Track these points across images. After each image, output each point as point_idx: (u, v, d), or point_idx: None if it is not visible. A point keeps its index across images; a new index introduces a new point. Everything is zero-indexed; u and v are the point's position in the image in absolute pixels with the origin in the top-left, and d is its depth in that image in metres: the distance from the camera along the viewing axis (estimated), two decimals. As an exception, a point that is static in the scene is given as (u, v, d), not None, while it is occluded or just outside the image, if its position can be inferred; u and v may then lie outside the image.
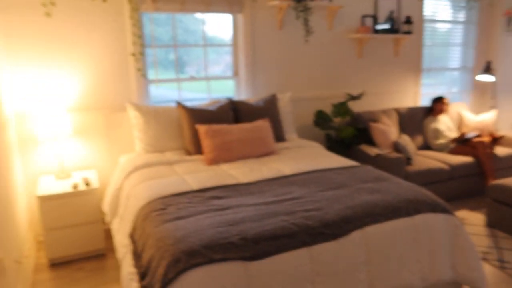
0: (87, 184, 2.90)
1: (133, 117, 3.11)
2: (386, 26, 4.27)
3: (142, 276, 1.80)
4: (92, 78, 3.21)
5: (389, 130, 3.96)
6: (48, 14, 2.95)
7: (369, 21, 4.25)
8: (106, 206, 2.86)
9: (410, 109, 4.46)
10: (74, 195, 2.84)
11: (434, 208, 2.15)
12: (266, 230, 1.81)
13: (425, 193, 2.25)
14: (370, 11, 4.27)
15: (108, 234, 3.12)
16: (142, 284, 1.76)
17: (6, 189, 2.43)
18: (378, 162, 3.61)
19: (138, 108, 3.11)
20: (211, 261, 1.64)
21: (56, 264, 2.91)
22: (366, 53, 4.38)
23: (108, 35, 3.21)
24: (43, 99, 3.07)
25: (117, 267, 2.80)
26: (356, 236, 1.91)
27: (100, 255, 3.01)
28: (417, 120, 4.42)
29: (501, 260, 2.87)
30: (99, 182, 3.16)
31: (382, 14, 4.31)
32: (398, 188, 2.29)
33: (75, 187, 2.85)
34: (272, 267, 1.72)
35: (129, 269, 2.02)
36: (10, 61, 2.96)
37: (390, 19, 4.28)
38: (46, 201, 2.78)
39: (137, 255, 1.98)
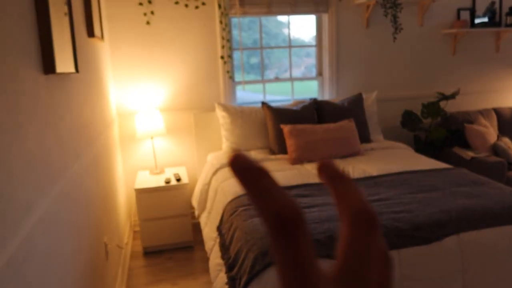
0: (178, 179, 3.10)
1: (221, 116, 3.26)
2: (485, 19, 3.94)
3: (230, 267, 1.88)
4: (184, 80, 3.43)
5: (487, 132, 3.65)
6: (148, 23, 3.23)
7: (465, 15, 3.96)
8: (194, 201, 3.03)
9: (512, 109, 4.05)
10: (166, 189, 3.06)
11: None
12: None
13: (531, 200, 2.04)
14: (467, 4, 3.97)
15: (196, 228, 3.30)
16: (229, 275, 1.84)
17: (111, 182, 2.70)
18: (474, 166, 3.34)
19: (225, 108, 3.25)
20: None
21: (149, 253, 3.15)
22: (461, 49, 4.08)
23: (199, 40, 3.41)
24: (141, 100, 3.36)
25: (204, 259, 2.96)
26: (450, 242, 1.80)
27: (188, 247, 3.20)
28: (520, 122, 4.01)
29: None
30: (188, 178, 3.36)
31: (481, 6, 3.99)
32: (500, 193, 2.10)
33: (167, 182, 3.07)
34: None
35: (217, 260, 2.12)
36: (114, 65, 3.29)
37: (490, 11, 3.94)
38: (142, 193, 3.03)
39: (224, 247, 2.07)
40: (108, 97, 2.94)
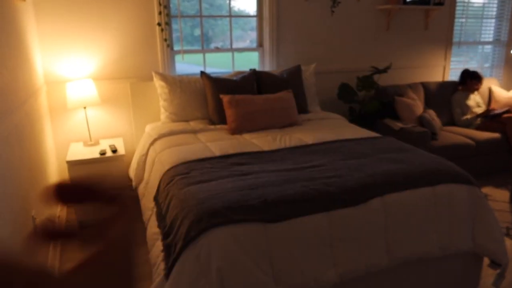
0: (114, 150, 3.00)
1: (159, 86, 3.16)
2: (415, -3, 4.13)
3: (166, 235, 1.88)
4: (119, 48, 3.27)
5: (414, 104, 3.89)
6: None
7: (398, -8, 4.12)
8: (132, 172, 2.96)
9: (438, 83, 4.34)
10: (101, 161, 2.95)
11: (456, 178, 2.13)
12: (287, 194, 1.85)
13: (447, 163, 2.23)
14: (399, -19, 4.13)
15: (135, 201, 3.23)
16: (165, 242, 1.84)
17: (39, 154, 2.55)
18: (402, 136, 3.56)
19: (164, 77, 3.16)
20: (232, 221, 1.69)
21: (86, 226, 3.04)
22: (394, 25, 4.26)
23: (135, 5, 3.25)
24: (73, 68, 3.17)
25: (142, 230, 2.92)
26: (375, 203, 1.93)
27: (126, 219, 3.13)
28: (444, 96, 4.31)
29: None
30: (125, 149, 3.26)
31: (412, -15, 4.16)
32: (421, 158, 2.27)
33: (102, 153, 2.96)
34: (291, 230, 1.76)
35: (154, 229, 2.11)
36: (41, 30, 3.05)
37: (421, -11, 4.13)
38: (75, 166, 2.89)
39: (161, 216, 2.06)
40: (33, 62, 2.73)
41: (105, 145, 3.18)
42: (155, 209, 2.21)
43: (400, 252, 1.96)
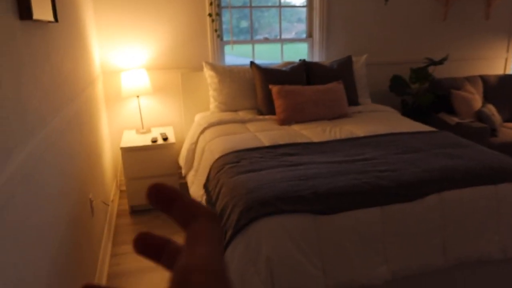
0: (165, 138, 3.07)
1: (209, 76, 3.20)
2: (478, -16, 3.88)
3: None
4: (171, 38, 3.34)
5: (472, 98, 3.67)
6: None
7: (458, -21, 3.89)
8: (181, 160, 3.02)
9: (499, 77, 4.07)
10: (152, 148, 3.03)
11: (521, 177, 1.98)
12: (338, 186, 1.81)
13: (511, 161, 2.08)
14: (460, -33, 3.89)
15: (183, 188, 3.31)
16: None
17: (96, 140, 2.66)
18: (458, 131, 3.38)
19: (213, 67, 3.19)
20: (282, 211, 1.68)
21: (136, 211, 3.16)
22: (452, 15, 4.03)
23: (186, -4, 3.29)
24: (127, 58, 3.27)
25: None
26: (432, 200, 1.84)
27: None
28: (506, 90, 4.03)
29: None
30: (175, 138, 3.33)
31: (475, -29, 3.92)
32: (481, 155, 2.14)
33: (154, 141, 3.04)
34: (342, 223, 1.72)
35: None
36: (98, 21, 3.17)
37: (484, -25, 3.87)
38: (128, 152, 3.00)
39: (211, 204, 2.08)
40: (92, 53, 2.85)
41: (156, 133, 3.27)
42: (204, 197, 2.24)
43: (458, 253, 1.87)
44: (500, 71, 4.39)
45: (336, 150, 2.26)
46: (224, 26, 3.53)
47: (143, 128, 3.30)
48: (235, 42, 3.61)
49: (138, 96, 3.22)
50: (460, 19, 4.07)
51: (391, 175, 1.90)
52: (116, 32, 3.22)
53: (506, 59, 4.39)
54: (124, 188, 3.42)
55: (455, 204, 1.86)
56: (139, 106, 3.30)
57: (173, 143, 3.06)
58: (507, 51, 4.35)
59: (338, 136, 2.53)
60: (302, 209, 1.71)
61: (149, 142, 3.04)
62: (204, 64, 3.24)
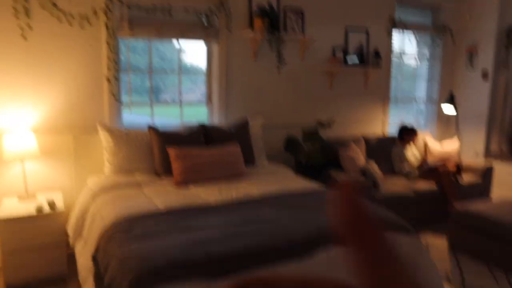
0: (52, 207, 2.83)
1: (104, 139, 3.10)
2: (355, 60, 4.47)
3: (104, 299, 1.76)
4: (65, 100, 3.20)
5: (357, 157, 4.07)
6: (24, 37, 2.98)
7: (339, 52, 4.44)
8: (70, 228, 2.79)
9: (378, 138, 4.61)
10: (37, 219, 2.76)
11: (398, 228, 2.21)
12: (232, 250, 1.82)
13: (389, 214, 2.32)
14: (340, 42, 4.46)
15: (71, 259, 3.02)
16: (103, 305, 1.72)
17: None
18: (346, 187, 3.68)
19: (109, 130, 3.11)
20: (174, 278, 1.63)
21: (15, 289, 2.78)
22: (336, 84, 4.54)
23: (84, 59, 3.24)
24: (11, 120, 3.04)
25: (79, 292, 2.71)
26: (321, 256, 1.94)
27: (61, 279, 2.91)
28: (384, 148, 4.56)
29: (463, 283, 2.94)
30: (65, 204, 3.09)
31: (352, 48, 4.52)
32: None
33: (39, 210, 2.78)
34: (236, 287, 1.71)
35: (91, 291, 1.97)
36: (-22, 80, 2.93)
37: (360, 52, 4.48)
38: (7, 224, 2.69)
39: (99, 278, 1.93)
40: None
41: (42, 199, 3.00)
42: (93, 270, 2.07)
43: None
44: (379, 132, 4.97)
45: (232, 213, 2.30)
46: (124, 86, 3.50)
47: (26, 194, 3.01)
48: (133, 105, 3.58)
49: (22, 160, 2.97)
50: (344, 87, 4.60)
51: (283, 235, 1.98)
52: (2, 91, 3.00)
53: (383, 121, 5.00)
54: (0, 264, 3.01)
55: (341, 259, 1.98)
56: (24, 171, 3.02)
57: (61, 212, 2.83)
58: (383, 114, 4.98)
59: (234, 196, 2.58)
60: (195, 274, 1.67)
61: (33, 212, 2.77)
62: (99, 126, 3.14)
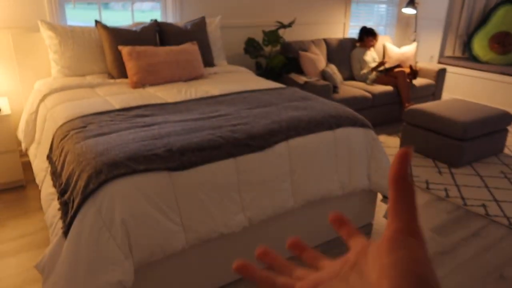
0: (-2, 110, 2.65)
1: (47, 37, 2.83)
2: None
3: (62, 193, 1.73)
4: (-6, -8, 2.83)
5: (317, 59, 4.03)
6: None
7: None
8: (20, 133, 2.66)
9: (339, 40, 4.54)
10: (-17, 123, 2.59)
11: (354, 122, 2.27)
12: (192, 142, 1.80)
13: (346, 109, 2.36)
14: None
15: (27, 166, 2.94)
16: (62, 200, 1.70)
17: None
18: (306, 89, 3.70)
19: (52, 27, 2.82)
20: (134, 171, 1.61)
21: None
22: (297, -19, 4.30)
23: None
24: None
25: (38, 196, 2.68)
26: (280, 148, 1.98)
27: (20, 186, 2.85)
28: (344, 51, 4.53)
29: (413, 176, 3.16)
30: (12, 109, 2.90)
31: None
32: (322, 105, 2.37)
33: (-17, 114, 2.60)
34: (198, 177, 1.73)
35: (49, 190, 1.93)
36: None
37: None
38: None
39: (56, 175, 1.89)
40: None
41: (-15, 105, 2.79)
42: (49, 169, 2.02)
43: (305, 194, 2.06)
44: (340, 35, 4.89)
45: (191, 109, 2.25)
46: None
47: (-33, 99, 2.79)
48: (76, 0, 3.24)
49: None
50: (305, -14, 4.37)
51: (243, 128, 1.98)
52: None
53: (344, 24, 4.90)
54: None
55: (300, 150, 2.04)
56: (-41, 74, 2.76)
57: (7, 115, 2.66)
58: (345, 16, 4.86)
59: (193, 96, 2.51)
60: (156, 167, 1.66)
61: (-24, 115, 2.58)
62: (40, 23, 2.84)
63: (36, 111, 2.52)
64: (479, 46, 5.15)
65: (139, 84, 2.72)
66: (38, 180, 2.24)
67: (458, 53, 5.50)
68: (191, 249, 1.81)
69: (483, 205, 2.75)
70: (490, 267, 2.15)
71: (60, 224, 1.65)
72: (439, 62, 5.31)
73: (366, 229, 2.46)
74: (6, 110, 2.70)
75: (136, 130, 1.91)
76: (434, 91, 4.68)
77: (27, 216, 2.50)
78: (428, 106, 3.55)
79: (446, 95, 5.29)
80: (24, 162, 3.02)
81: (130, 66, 2.73)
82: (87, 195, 1.55)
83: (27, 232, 2.35)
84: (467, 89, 5.10)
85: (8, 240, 2.27)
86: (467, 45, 5.31)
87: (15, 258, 2.13)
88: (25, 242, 2.26)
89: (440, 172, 3.23)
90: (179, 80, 2.87)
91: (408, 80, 4.23)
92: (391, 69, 4.31)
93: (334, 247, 2.27)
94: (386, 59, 4.76)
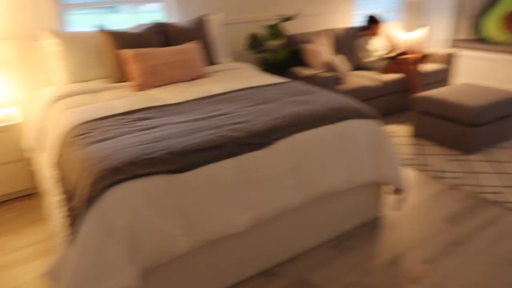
0: (8, 119, 2.70)
1: (53, 44, 2.85)
2: None
3: (69, 200, 1.76)
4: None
5: (321, 50, 3.98)
6: None
7: None
8: (32, 141, 2.70)
9: (345, 29, 4.47)
10: (-4, 133, 2.65)
11: (358, 114, 2.22)
12: (193, 143, 1.80)
13: (350, 101, 2.32)
14: None
15: (37, 174, 2.99)
16: (69, 207, 1.72)
17: None
18: (311, 82, 3.65)
19: (58, 34, 2.85)
20: (135, 176, 1.62)
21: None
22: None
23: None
24: None
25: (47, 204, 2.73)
26: (283, 144, 1.95)
27: (30, 194, 2.90)
28: (352, 41, 4.46)
29: (424, 165, 3.10)
30: (23, 119, 2.95)
31: None
32: (325, 99, 2.33)
33: (-6, 124, 2.66)
34: (200, 178, 1.73)
35: (56, 197, 1.96)
36: None
37: None
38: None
39: (62, 182, 1.91)
40: None
41: (-4, 115, 2.85)
42: (56, 176, 2.05)
43: (311, 190, 2.04)
44: (347, 24, 4.81)
45: (193, 110, 2.25)
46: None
47: (-22, 110, 2.85)
48: (77, 6, 3.27)
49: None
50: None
51: (244, 126, 1.96)
52: None
53: (349, 12, 4.82)
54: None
55: (304, 146, 2.01)
56: (-31, 86, 2.82)
57: (18, 123, 2.71)
58: (350, 4, 4.77)
59: (195, 96, 2.51)
60: (157, 170, 1.67)
61: (-11, 126, 2.64)
62: (44, 31, 2.86)
63: (45, 119, 2.56)
64: (492, 26, 5.00)
65: (143, 86, 2.73)
66: (45, 187, 2.28)
67: (470, 36, 5.35)
68: (196, 250, 1.82)
69: (498, 192, 2.67)
70: (507, 256, 2.09)
71: (67, 231, 1.67)
72: (452, 46, 5.17)
73: (373, 224, 2.42)
74: (18, 119, 2.75)
75: (138, 134, 1.92)
76: (445, 76, 4.56)
77: (41, 223, 2.56)
78: (438, 92, 3.47)
79: (460, 80, 5.16)
80: (34, 170, 3.08)
81: (133, 69, 2.74)
82: (90, 202, 1.56)
83: (37, 240, 2.39)
84: (481, 73, 4.96)
85: (20, 248, 2.32)
86: (478, 26, 5.16)
87: (27, 266, 2.17)
88: (37, 250, 2.30)
89: (452, 160, 3.15)
90: (182, 80, 2.87)
91: (415, 67, 4.13)
92: (395, 56, 4.22)
93: (342, 242, 2.25)
94: (394, 45, 4.66)
